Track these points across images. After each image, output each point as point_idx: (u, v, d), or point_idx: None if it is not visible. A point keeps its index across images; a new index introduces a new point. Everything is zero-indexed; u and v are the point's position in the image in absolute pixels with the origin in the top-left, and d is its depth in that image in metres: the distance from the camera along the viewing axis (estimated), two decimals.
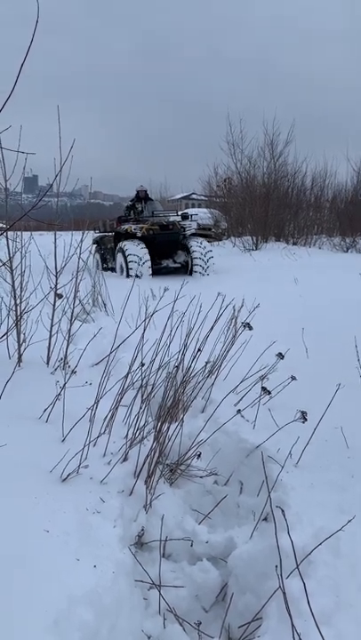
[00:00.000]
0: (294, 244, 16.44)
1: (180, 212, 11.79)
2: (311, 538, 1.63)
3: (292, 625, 1.37)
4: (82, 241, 3.46)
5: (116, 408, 2.36)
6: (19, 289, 3.19)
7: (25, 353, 3.11)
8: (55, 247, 3.28)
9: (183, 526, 2.08)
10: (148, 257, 9.45)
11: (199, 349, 2.87)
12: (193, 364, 2.83)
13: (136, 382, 2.60)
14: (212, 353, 3.12)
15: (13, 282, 3.18)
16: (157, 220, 10.17)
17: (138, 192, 11.25)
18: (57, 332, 3.26)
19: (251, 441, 2.43)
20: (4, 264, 3.10)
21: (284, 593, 1.44)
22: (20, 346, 3.09)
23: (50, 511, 1.73)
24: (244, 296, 3.71)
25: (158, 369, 2.75)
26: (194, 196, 32.91)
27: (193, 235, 10.38)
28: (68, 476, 1.93)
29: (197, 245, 9.98)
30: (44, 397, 2.36)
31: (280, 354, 2.79)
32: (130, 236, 9.82)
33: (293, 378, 2.54)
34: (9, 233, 3.17)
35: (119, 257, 9.88)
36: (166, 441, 2.39)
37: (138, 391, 2.57)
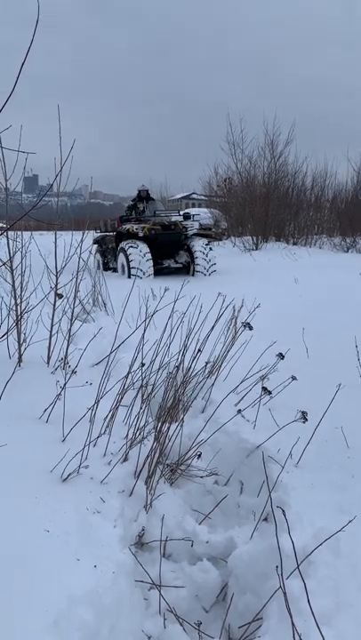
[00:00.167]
0: (295, 243, 16.45)
1: (182, 212, 11.72)
2: (311, 538, 1.63)
3: (293, 625, 1.37)
4: (82, 241, 3.46)
5: (117, 408, 2.36)
6: (19, 289, 3.19)
7: (25, 353, 3.11)
8: (55, 247, 3.28)
9: (183, 526, 2.08)
10: (150, 257, 9.40)
11: (199, 349, 2.87)
12: (193, 365, 2.83)
13: (136, 382, 2.60)
14: (212, 353, 3.12)
15: (14, 281, 3.18)
16: (159, 219, 10.10)
17: (139, 192, 11.18)
18: (57, 332, 3.26)
19: (251, 441, 2.43)
20: (4, 264, 3.10)
21: (284, 593, 1.44)
22: (20, 346, 3.09)
23: (50, 511, 1.73)
24: (244, 296, 3.71)
25: (158, 369, 2.75)
26: (194, 196, 32.94)
27: (195, 235, 10.33)
28: (69, 476, 1.93)
29: (199, 246, 9.93)
30: (45, 397, 2.36)
31: (280, 354, 2.79)
32: (131, 235, 9.76)
33: (294, 378, 2.54)
34: (9, 232, 3.18)
35: (121, 257, 9.83)
36: (167, 441, 2.38)
37: (138, 391, 2.57)
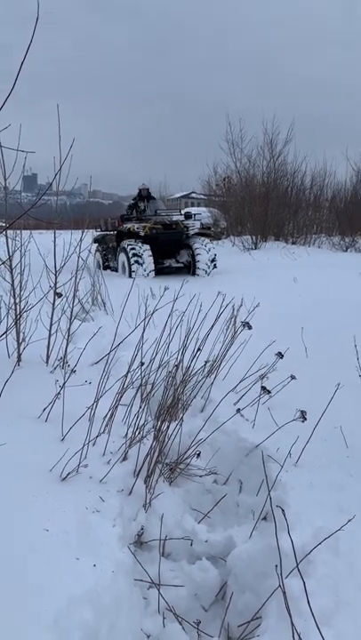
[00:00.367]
0: (293, 243, 16.46)
1: (183, 211, 11.64)
2: (311, 537, 1.63)
3: (292, 624, 1.37)
4: (81, 240, 3.46)
5: (116, 407, 2.36)
6: (18, 288, 3.19)
7: (24, 352, 3.11)
8: (55, 246, 3.28)
9: (183, 525, 2.08)
10: (151, 257, 9.33)
11: (199, 349, 2.87)
12: (192, 364, 2.83)
13: (136, 381, 2.60)
14: (211, 352, 3.12)
15: (13, 280, 3.18)
16: (160, 219, 10.01)
17: (140, 190, 11.06)
18: (56, 331, 3.25)
19: (250, 440, 2.43)
20: (3, 263, 3.10)
21: (283, 592, 1.44)
22: (19, 345, 3.09)
23: (49, 510, 1.73)
24: (243, 295, 3.71)
25: (158, 368, 2.75)
26: (193, 195, 32.91)
27: (196, 234, 10.25)
28: (68, 475, 1.93)
29: (201, 245, 9.87)
30: (44, 396, 2.36)
31: (279, 353, 2.79)
32: (132, 235, 9.67)
33: (293, 377, 2.55)
34: (8, 231, 3.17)
35: (121, 256, 9.76)
36: (166, 440, 2.38)
37: (137, 390, 2.57)
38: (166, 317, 2.81)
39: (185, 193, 34.53)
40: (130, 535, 1.92)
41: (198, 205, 25.39)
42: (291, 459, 2.24)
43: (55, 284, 3.19)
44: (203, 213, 17.34)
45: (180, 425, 2.48)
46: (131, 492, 2.05)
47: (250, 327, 2.97)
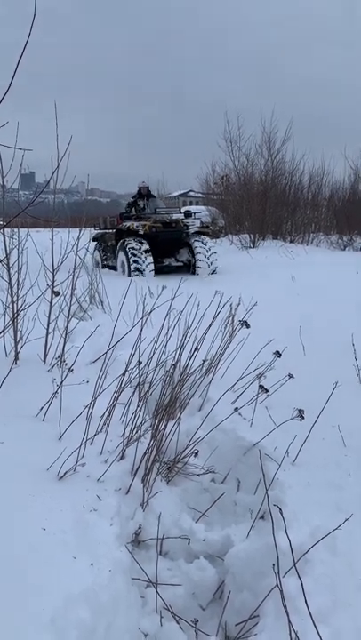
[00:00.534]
0: (292, 241, 16.46)
1: (183, 209, 11.54)
2: (308, 536, 1.63)
3: (289, 623, 1.37)
4: (79, 238, 3.45)
5: (114, 406, 2.36)
6: (15, 286, 3.18)
7: (22, 351, 3.10)
8: (52, 244, 3.27)
9: (180, 524, 2.08)
10: (150, 255, 9.22)
11: (197, 347, 2.87)
12: (190, 362, 2.82)
13: (133, 380, 2.60)
14: (209, 351, 3.12)
15: (10, 279, 3.17)
16: (160, 217, 9.91)
17: (140, 188, 10.94)
18: (54, 330, 3.25)
19: (248, 439, 2.43)
20: (0, 261, 3.08)
21: (281, 591, 1.44)
22: (16, 343, 3.08)
23: (47, 509, 1.73)
24: (241, 294, 3.71)
25: (156, 367, 2.75)
26: (191, 194, 32.88)
27: (196, 233, 10.13)
28: (65, 474, 1.93)
29: (201, 244, 9.78)
30: (41, 395, 2.36)
31: (277, 352, 2.79)
32: (132, 233, 9.52)
33: (291, 376, 2.55)
34: (6, 230, 3.16)
35: (121, 255, 9.62)
36: (163, 439, 2.38)
37: (135, 389, 2.56)
38: (164, 316, 2.80)
39: (183, 191, 34.51)
40: (127, 534, 1.92)
41: (196, 204, 25.37)
42: (288, 457, 2.24)
43: (53, 283, 3.18)
44: (202, 212, 17.29)
45: (178, 424, 2.47)
46: (128, 491, 2.05)
47: (248, 326, 2.97)
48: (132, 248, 9.22)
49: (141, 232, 9.31)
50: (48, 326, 3.24)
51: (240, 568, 1.82)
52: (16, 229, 3.54)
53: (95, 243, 11.37)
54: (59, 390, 2.25)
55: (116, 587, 1.58)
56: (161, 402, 2.48)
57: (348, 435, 2.46)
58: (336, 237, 16.56)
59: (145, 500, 2.08)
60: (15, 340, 3.09)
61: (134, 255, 9.15)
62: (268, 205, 16.14)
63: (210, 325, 3.14)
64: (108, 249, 10.98)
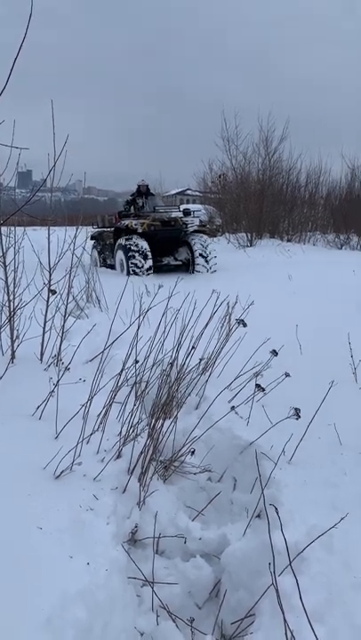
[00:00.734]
0: (289, 240, 16.48)
1: (181, 208, 11.48)
2: (304, 535, 1.64)
3: (285, 621, 1.37)
4: (75, 237, 3.44)
5: (110, 405, 2.35)
6: (12, 285, 3.17)
7: (18, 349, 3.10)
8: (49, 243, 3.26)
9: (176, 523, 2.08)
10: (149, 254, 9.14)
11: (193, 346, 2.87)
12: (187, 361, 2.82)
13: (130, 379, 2.60)
14: (206, 350, 3.12)
15: (7, 277, 3.16)
16: (159, 215, 9.83)
17: (139, 186, 10.84)
18: (50, 329, 3.24)
19: (244, 438, 2.43)
20: None
21: (276, 590, 1.44)
22: (13, 342, 3.08)
23: (43, 508, 1.73)
24: (238, 293, 3.71)
25: (152, 366, 2.75)
26: (189, 192, 32.88)
27: (195, 231, 10.05)
28: (62, 473, 1.93)
29: (199, 242, 9.73)
30: (38, 394, 2.35)
31: (274, 351, 2.79)
32: (130, 231, 9.44)
33: (287, 375, 2.55)
34: (2, 228, 3.15)
35: (119, 254, 9.54)
36: (160, 438, 2.38)
37: (132, 388, 2.56)
38: (161, 315, 2.80)
39: (180, 190, 34.49)
40: (124, 533, 1.92)
41: (194, 202, 25.36)
42: (285, 456, 2.24)
43: (49, 281, 3.18)
44: (199, 210, 17.28)
45: (175, 422, 2.48)
46: (125, 490, 2.05)
47: (245, 325, 2.98)
48: (131, 246, 9.13)
49: (140, 230, 9.23)
50: (45, 325, 3.23)
51: (236, 567, 1.82)
52: (13, 228, 3.53)
53: (93, 241, 11.29)
54: (55, 389, 2.24)
55: (113, 586, 1.58)
56: (158, 401, 2.48)
57: (344, 433, 2.47)
58: (333, 236, 16.58)
59: (141, 498, 2.08)
60: (12, 338, 3.08)
61: (132, 254, 9.08)
62: (266, 204, 16.15)
63: (207, 324, 3.14)
64: (107, 247, 10.88)
